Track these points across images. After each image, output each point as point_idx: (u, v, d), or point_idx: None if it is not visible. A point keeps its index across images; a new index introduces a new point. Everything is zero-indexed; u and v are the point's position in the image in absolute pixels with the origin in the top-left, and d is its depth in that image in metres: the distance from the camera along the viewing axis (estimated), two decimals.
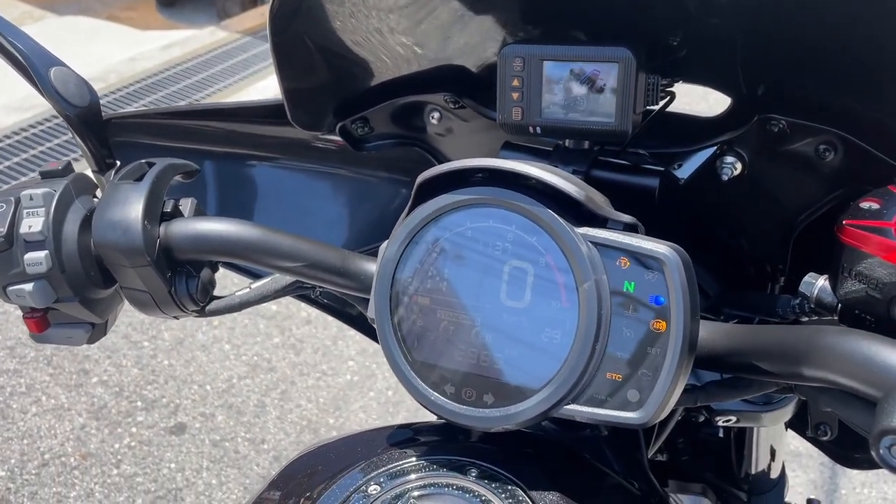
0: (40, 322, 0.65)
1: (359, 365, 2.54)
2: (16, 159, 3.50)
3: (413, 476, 0.57)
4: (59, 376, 2.43)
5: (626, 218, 0.55)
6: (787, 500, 1.06)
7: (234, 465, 2.19)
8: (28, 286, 0.61)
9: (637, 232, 0.55)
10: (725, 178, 0.71)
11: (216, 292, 0.71)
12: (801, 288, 0.57)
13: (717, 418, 0.84)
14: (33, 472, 2.12)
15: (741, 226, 0.78)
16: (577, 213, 0.55)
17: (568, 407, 0.54)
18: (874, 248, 0.49)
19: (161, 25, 5.13)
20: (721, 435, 0.99)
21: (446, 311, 0.58)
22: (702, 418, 0.85)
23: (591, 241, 0.53)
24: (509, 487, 0.55)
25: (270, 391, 2.44)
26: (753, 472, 0.99)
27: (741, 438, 0.97)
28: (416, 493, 0.55)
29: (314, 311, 2.64)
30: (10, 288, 0.61)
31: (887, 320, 0.49)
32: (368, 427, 0.71)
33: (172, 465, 2.17)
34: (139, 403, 2.36)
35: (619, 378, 0.53)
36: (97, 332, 0.69)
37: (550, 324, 0.54)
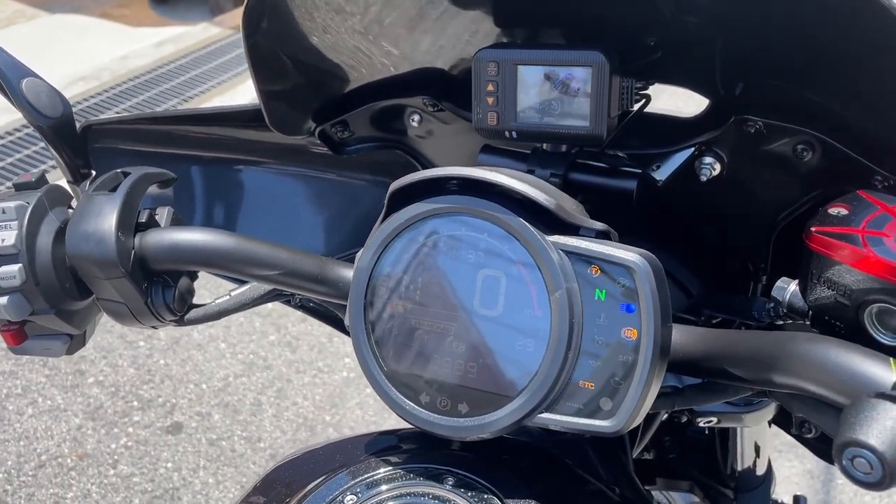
0: (17, 335, 0.65)
1: (355, 362, 2.54)
2: (9, 160, 3.50)
3: (390, 485, 0.57)
4: (55, 377, 2.43)
5: (598, 225, 0.55)
6: (773, 496, 1.06)
7: (230, 464, 2.19)
8: (3, 300, 0.61)
9: (609, 239, 0.55)
10: (704, 178, 0.71)
11: (198, 296, 0.70)
12: (774, 293, 0.57)
13: (699, 419, 0.84)
14: (30, 473, 2.13)
15: (721, 226, 0.78)
16: (550, 220, 0.54)
17: (542, 416, 0.54)
18: (842, 255, 0.48)
19: (154, 22, 5.11)
20: (707, 433, 0.99)
21: (421, 319, 0.57)
22: (684, 419, 0.85)
23: (562, 250, 0.53)
24: (485, 496, 0.55)
25: (266, 389, 2.44)
26: (739, 469, 0.99)
27: (726, 436, 0.97)
28: (390, 503, 0.55)
29: None
30: None
31: (857, 326, 0.49)
32: (357, 432, 0.71)
33: (169, 465, 2.18)
34: (135, 403, 2.36)
35: (591, 386, 0.52)
36: (75, 342, 0.69)
37: (523, 332, 0.54)
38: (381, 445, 0.65)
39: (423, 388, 0.57)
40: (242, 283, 0.75)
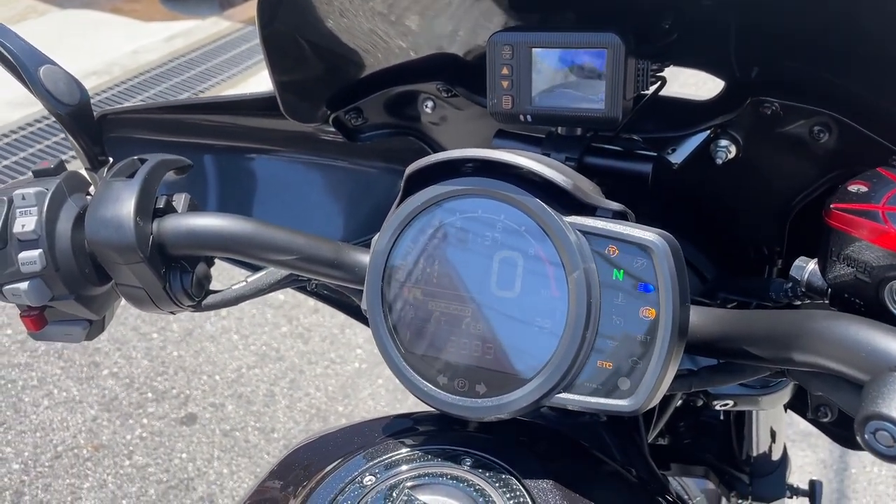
0: (37, 320, 0.66)
1: (367, 353, 2.55)
2: (22, 154, 3.52)
3: (408, 466, 0.57)
4: (70, 369, 2.45)
5: (616, 206, 0.55)
6: (789, 481, 1.06)
7: (244, 455, 2.20)
8: (23, 285, 0.62)
9: (626, 219, 0.55)
10: (720, 161, 0.71)
11: (214, 284, 0.71)
12: (792, 272, 0.57)
13: (715, 402, 0.84)
14: (47, 464, 2.15)
15: (737, 209, 0.78)
16: (567, 201, 0.54)
17: (560, 396, 0.54)
18: (862, 232, 0.48)
19: (164, 16, 5.12)
20: (722, 418, 0.99)
21: (438, 301, 0.58)
22: (700, 402, 0.85)
23: (579, 230, 0.53)
24: (503, 476, 0.56)
25: (279, 380, 2.45)
26: (755, 454, 0.99)
27: (741, 421, 0.97)
28: (409, 484, 0.55)
29: None
30: (6, 287, 0.62)
31: (876, 303, 0.49)
32: (369, 417, 0.72)
33: (184, 455, 2.19)
34: (150, 395, 2.38)
35: (609, 366, 0.53)
36: (95, 328, 0.69)
37: (541, 313, 0.54)
38: (398, 428, 0.65)
39: (441, 370, 0.57)
40: (258, 269, 0.75)
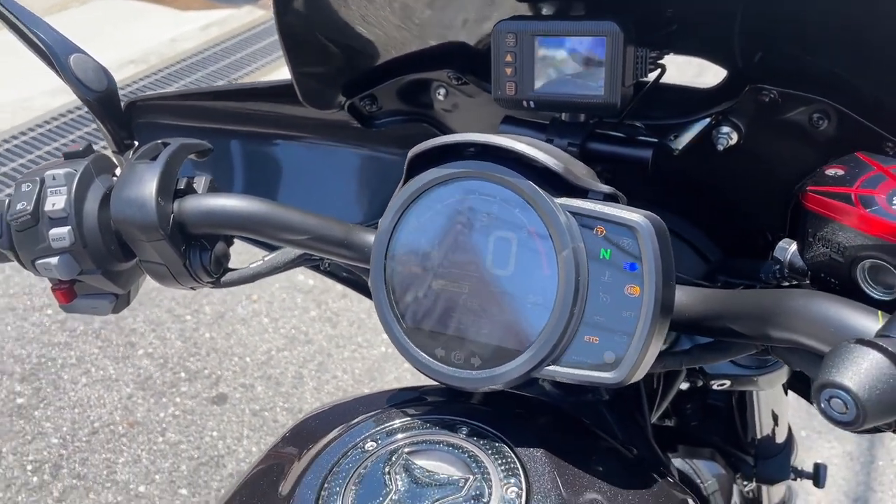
0: (67, 293, 0.70)
1: None
2: (63, 140, 3.62)
3: (408, 434, 0.61)
4: (107, 349, 2.54)
5: (606, 188, 0.57)
6: (793, 464, 1.07)
7: (272, 434, 2.26)
8: (54, 260, 0.66)
9: (617, 202, 0.57)
10: (721, 147, 0.73)
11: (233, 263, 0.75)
12: (776, 253, 0.59)
13: (712, 382, 0.85)
14: (84, 439, 2.23)
15: (740, 194, 0.80)
16: (559, 184, 0.57)
17: (549, 368, 0.56)
18: (835, 214, 0.50)
19: (201, 5, 5.21)
20: (727, 400, 1.00)
21: (437, 278, 0.61)
22: (700, 383, 0.87)
23: (569, 211, 0.56)
24: (496, 444, 0.58)
25: (308, 363, 2.51)
26: (758, 436, 1.00)
27: (744, 405, 0.99)
28: (407, 450, 0.58)
29: None
30: (38, 261, 0.67)
31: (850, 282, 0.51)
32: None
33: (214, 434, 2.26)
34: (183, 375, 2.45)
35: (596, 341, 0.55)
36: (121, 302, 0.74)
37: (533, 290, 0.57)
38: (401, 399, 0.68)
39: (439, 343, 0.60)
40: (275, 250, 0.79)
